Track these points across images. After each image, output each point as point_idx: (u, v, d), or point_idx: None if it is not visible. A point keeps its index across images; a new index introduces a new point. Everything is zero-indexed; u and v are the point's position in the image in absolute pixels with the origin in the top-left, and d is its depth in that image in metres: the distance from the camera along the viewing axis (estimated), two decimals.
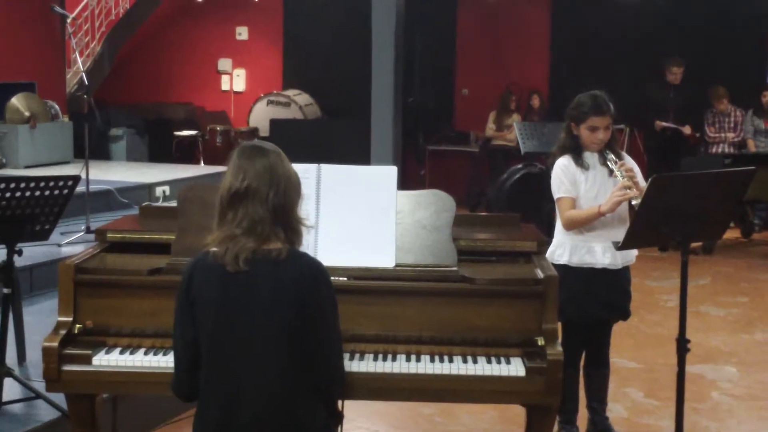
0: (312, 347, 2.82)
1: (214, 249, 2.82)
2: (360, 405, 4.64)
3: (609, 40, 12.57)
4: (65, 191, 4.29)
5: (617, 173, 4.21)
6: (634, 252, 4.37)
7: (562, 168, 4.35)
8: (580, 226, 4.31)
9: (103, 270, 3.49)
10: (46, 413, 4.25)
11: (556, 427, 4.40)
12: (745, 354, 6.27)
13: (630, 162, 4.35)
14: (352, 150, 10.90)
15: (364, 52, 10.91)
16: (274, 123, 13.33)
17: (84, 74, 8.18)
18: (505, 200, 9.47)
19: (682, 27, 12.14)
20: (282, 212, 2.82)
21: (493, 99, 12.67)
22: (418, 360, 3.29)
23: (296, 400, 2.82)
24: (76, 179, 4.36)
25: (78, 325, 3.39)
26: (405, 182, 10.88)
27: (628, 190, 4.09)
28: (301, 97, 13.89)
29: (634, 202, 3.99)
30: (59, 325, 3.37)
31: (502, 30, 13.38)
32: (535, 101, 12.38)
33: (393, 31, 10.52)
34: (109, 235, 3.78)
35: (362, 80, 11.05)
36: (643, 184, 4.14)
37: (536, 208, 8.04)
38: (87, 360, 3.30)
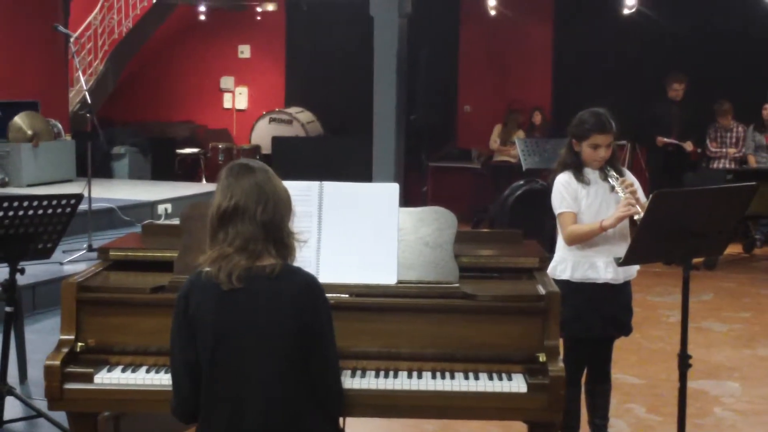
0: (311, 363, 2.83)
1: (208, 269, 2.82)
2: (362, 422, 4.62)
3: (611, 56, 12.61)
4: (68, 210, 4.30)
5: (619, 189, 4.22)
6: (636, 267, 4.37)
7: (564, 184, 4.36)
8: (582, 241, 4.32)
9: (105, 288, 3.50)
10: None
11: None
12: (747, 369, 6.26)
13: (630, 178, 4.35)
14: (355, 167, 10.92)
15: (366, 70, 10.95)
16: (277, 140, 13.36)
17: (87, 93, 8.23)
18: (507, 217, 9.47)
19: (684, 43, 12.17)
20: (272, 228, 2.83)
21: (495, 116, 12.68)
22: (419, 377, 3.29)
23: (299, 417, 2.82)
24: (78, 198, 4.37)
25: (80, 344, 3.39)
26: (407, 199, 10.90)
27: (631, 207, 4.09)
28: (304, 115, 13.91)
29: (636, 218, 4.00)
30: (61, 344, 3.37)
31: (505, 47, 13.42)
32: (537, 118, 12.39)
33: (395, 48, 10.55)
34: (112, 253, 3.79)
35: (364, 97, 11.07)
36: (643, 199, 4.15)
37: (538, 225, 8.04)
38: (89, 378, 3.31)
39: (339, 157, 12.43)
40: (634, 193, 4.18)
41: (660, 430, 5.07)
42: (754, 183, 3.84)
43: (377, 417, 3.59)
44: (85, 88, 8.47)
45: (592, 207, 4.33)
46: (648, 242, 3.77)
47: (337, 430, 3.05)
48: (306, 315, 2.80)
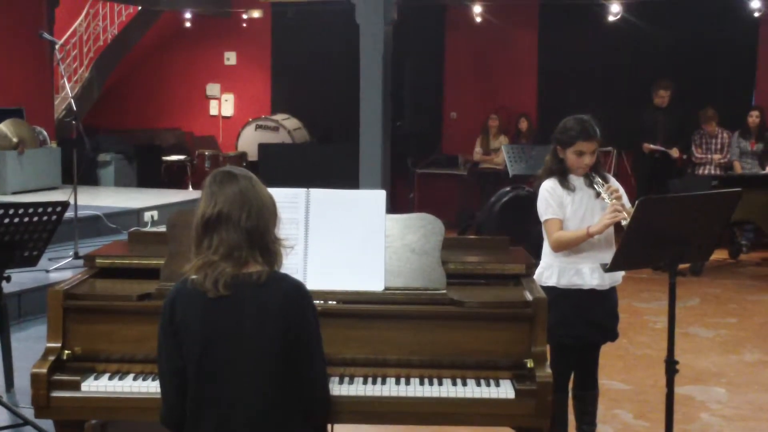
0: (298, 370, 2.82)
1: (194, 276, 2.82)
2: (350, 429, 4.61)
3: (597, 63, 12.67)
4: (54, 217, 4.30)
5: (605, 196, 4.23)
6: (621, 272, 4.38)
7: (549, 190, 4.37)
8: (568, 247, 4.33)
9: (92, 296, 3.49)
10: None
11: None
12: (734, 375, 6.28)
13: (615, 184, 4.37)
14: (341, 174, 10.93)
15: (352, 76, 10.96)
16: (263, 147, 13.35)
17: (72, 100, 8.21)
18: (494, 223, 9.48)
19: (670, 50, 12.25)
20: (257, 235, 2.83)
21: (481, 123, 12.72)
22: (407, 383, 3.29)
23: (286, 425, 2.82)
24: (64, 205, 4.37)
25: (67, 351, 3.38)
26: (394, 206, 10.91)
27: (618, 213, 4.10)
28: (290, 122, 13.91)
29: (623, 224, 4.01)
30: (48, 351, 3.36)
31: (490, 54, 13.46)
32: (523, 124, 12.44)
33: (381, 55, 10.56)
34: (98, 260, 3.78)
35: (351, 104, 11.08)
36: (629, 206, 4.16)
37: (525, 231, 8.05)
38: (76, 386, 3.30)
39: (325, 163, 12.44)
40: (619, 199, 4.19)
41: None
42: (739, 189, 3.85)
43: (365, 424, 3.58)
44: (70, 95, 8.46)
45: (578, 213, 4.34)
46: (634, 248, 3.79)
47: None
48: (293, 322, 2.80)
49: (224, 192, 2.84)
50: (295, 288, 2.86)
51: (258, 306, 2.79)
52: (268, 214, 2.88)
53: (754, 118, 10.69)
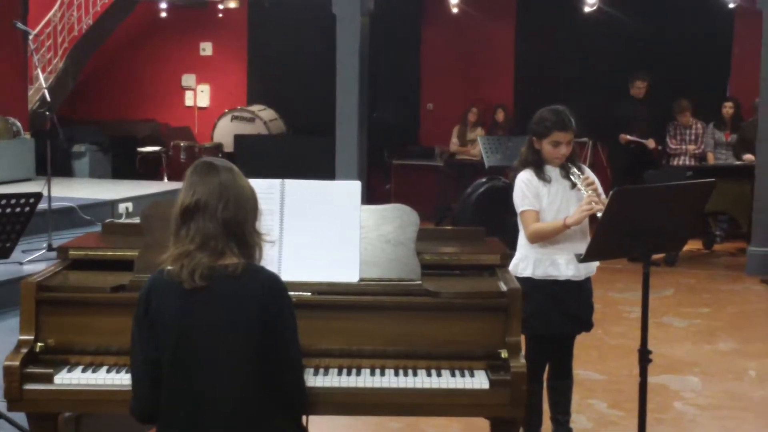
0: (274, 363, 2.82)
1: (170, 267, 2.81)
2: (325, 420, 4.61)
3: (573, 54, 12.70)
4: (27, 209, 4.27)
5: (581, 187, 4.24)
6: (596, 263, 4.40)
7: (525, 182, 4.38)
8: (544, 239, 4.34)
9: (65, 288, 3.47)
10: None
11: None
12: (707, 364, 6.33)
13: (591, 175, 4.39)
14: (317, 165, 10.92)
15: (329, 67, 10.93)
16: (239, 138, 13.31)
17: (46, 91, 8.13)
18: (470, 214, 9.50)
19: (646, 41, 12.29)
20: (234, 226, 2.82)
21: (458, 114, 12.73)
22: (382, 374, 3.29)
23: (262, 417, 2.82)
24: (37, 196, 4.34)
25: (40, 344, 3.35)
26: (371, 197, 10.91)
27: (593, 204, 4.12)
28: (266, 113, 13.88)
29: (599, 215, 4.02)
30: (21, 344, 3.34)
31: (467, 45, 13.46)
32: (500, 115, 12.46)
33: (358, 46, 10.55)
34: (72, 252, 3.76)
35: (327, 95, 11.06)
36: (603, 197, 4.18)
37: (501, 222, 8.07)
38: (49, 379, 3.28)
39: (302, 155, 12.42)
40: (595, 190, 4.21)
41: (621, 424, 5.11)
42: (712, 180, 3.88)
43: (341, 415, 3.59)
44: (44, 85, 8.37)
45: (554, 204, 4.36)
46: (608, 239, 3.80)
47: (300, 429, 3.05)
48: (269, 314, 2.79)
49: (204, 182, 2.83)
50: (272, 281, 2.86)
51: (234, 298, 2.78)
52: (247, 207, 2.87)
53: (728, 108, 10.76)
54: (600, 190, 4.27)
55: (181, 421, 2.80)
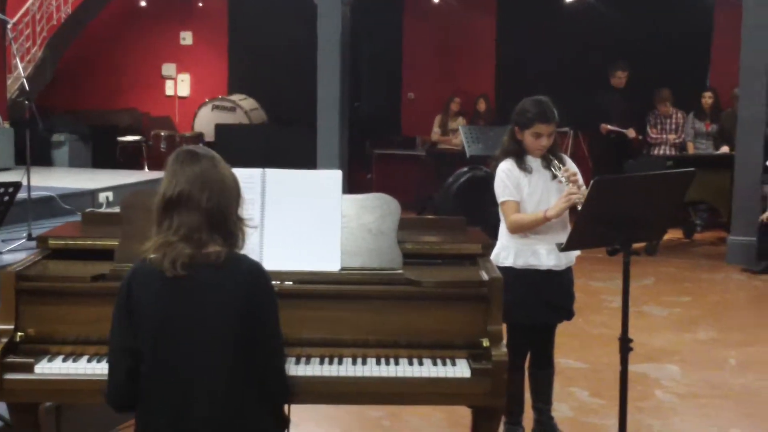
0: (256, 352, 2.81)
1: (152, 256, 2.80)
2: (308, 409, 4.62)
3: (554, 44, 12.70)
4: (6, 198, 4.25)
5: (561, 179, 4.25)
6: (576, 252, 4.41)
7: (506, 172, 4.38)
8: (525, 230, 4.35)
9: (45, 277, 3.45)
10: None
11: (502, 429, 4.45)
12: (687, 353, 6.37)
13: (572, 166, 4.39)
14: (299, 155, 10.90)
15: (310, 57, 10.91)
16: (220, 128, 13.28)
17: (25, 80, 8.08)
18: (451, 204, 9.51)
19: (627, 31, 12.31)
20: (218, 216, 2.81)
21: (439, 103, 12.73)
22: (364, 363, 3.29)
23: (243, 407, 2.81)
24: (17, 186, 4.32)
25: (20, 334, 3.33)
26: (352, 187, 10.89)
27: (573, 196, 4.12)
28: (247, 102, 13.84)
29: (579, 207, 4.03)
30: (0, 334, 3.31)
31: (448, 35, 13.45)
32: (482, 105, 12.47)
33: (339, 36, 10.53)
34: (51, 241, 3.73)
35: (308, 84, 11.04)
36: (584, 187, 4.19)
37: (483, 211, 8.07)
38: (29, 368, 3.26)
39: (283, 144, 12.40)
40: (576, 182, 4.21)
41: (602, 413, 5.14)
42: (692, 169, 3.89)
43: (322, 404, 3.60)
44: (23, 75, 8.32)
45: (534, 195, 4.36)
46: (588, 228, 3.81)
47: (282, 419, 3.04)
48: (251, 303, 2.79)
49: (185, 172, 2.81)
50: (254, 269, 2.85)
51: (216, 286, 2.78)
52: (230, 195, 2.86)
53: (707, 98, 10.81)
54: (581, 181, 4.27)
55: (162, 410, 2.79)
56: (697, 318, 7.32)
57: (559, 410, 5.03)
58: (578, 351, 6.26)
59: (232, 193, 2.88)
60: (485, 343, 3.31)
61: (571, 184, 4.18)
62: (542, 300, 4.40)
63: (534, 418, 4.69)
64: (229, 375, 2.78)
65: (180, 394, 2.77)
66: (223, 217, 2.82)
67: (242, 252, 2.91)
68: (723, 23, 11.91)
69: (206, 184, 2.80)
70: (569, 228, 4.26)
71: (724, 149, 10.32)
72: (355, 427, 4.96)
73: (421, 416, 5.02)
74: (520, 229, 4.34)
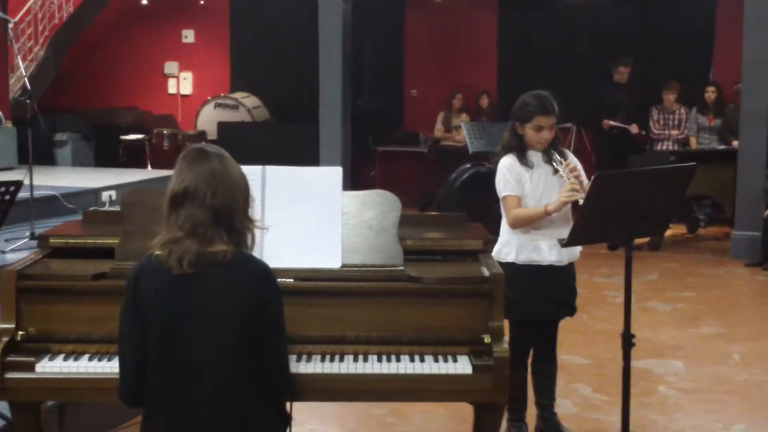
0: (261, 351, 2.81)
1: (158, 252, 2.80)
2: (311, 407, 4.62)
3: (556, 40, 12.70)
4: (7, 197, 4.24)
5: (563, 174, 4.24)
6: (578, 248, 4.41)
7: (507, 167, 4.38)
8: (526, 225, 4.34)
9: (46, 276, 3.45)
10: None
11: (505, 425, 4.44)
12: (691, 348, 6.35)
13: (573, 161, 4.38)
14: (301, 152, 10.88)
15: (312, 54, 10.90)
16: (222, 126, 13.27)
17: (27, 79, 8.08)
18: (454, 200, 9.51)
19: (629, 26, 12.29)
20: (223, 213, 2.81)
21: (442, 100, 12.72)
22: (365, 360, 3.28)
23: (247, 405, 2.81)
24: (18, 185, 4.32)
25: (21, 332, 3.33)
26: (355, 184, 10.90)
27: (575, 192, 4.11)
28: (249, 100, 13.83)
29: (581, 202, 4.02)
30: (1, 333, 3.31)
31: (450, 31, 13.43)
32: (484, 101, 12.46)
33: (340, 33, 10.52)
34: (52, 240, 3.73)
35: (311, 82, 11.04)
36: (586, 182, 4.18)
37: (486, 208, 8.06)
38: (30, 367, 3.25)
39: (286, 142, 12.38)
40: (577, 177, 4.20)
41: (606, 409, 5.13)
42: (693, 164, 3.88)
43: (324, 401, 3.58)
44: (25, 74, 8.32)
45: (536, 190, 4.36)
46: (590, 223, 3.81)
47: (284, 416, 3.04)
48: (257, 303, 2.79)
49: (194, 169, 2.82)
50: (261, 269, 2.85)
51: (223, 285, 2.77)
52: (237, 194, 2.86)
53: (710, 93, 10.78)
54: (583, 176, 4.26)
55: (167, 407, 2.79)
56: (701, 313, 7.31)
57: (563, 406, 5.02)
58: (582, 347, 6.25)
59: (240, 193, 2.88)
60: (487, 339, 3.30)
61: (572, 179, 4.17)
62: (544, 295, 4.39)
63: (537, 415, 4.69)
64: (233, 373, 2.78)
65: (185, 391, 2.77)
66: (229, 215, 2.82)
67: (252, 250, 2.91)
68: (725, 17, 11.88)
69: (213, 181, 2.81)
70: (571, 223, 4.26)
71: (735, 144, 10.25)
72: (358, 424, 4.96)
73: (424, 413, 5.02)
74: (522, 224, 4.34)
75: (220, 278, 2.78)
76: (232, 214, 2.84)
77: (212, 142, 12.83)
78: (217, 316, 2.76)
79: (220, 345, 2.77)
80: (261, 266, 2.87)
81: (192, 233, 2.77)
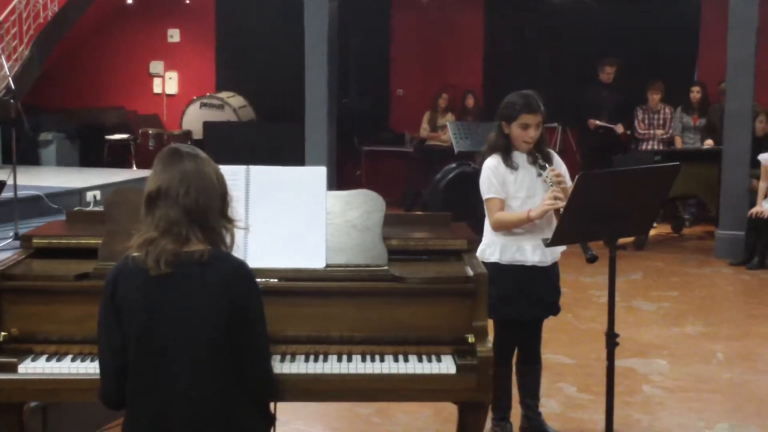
0: (242, 350, 2.81)
1: (135, 254, 2.79)
2: (296, 407, 4.62)
3: (542, 40, 12.72)
4: None
5: (546, 179, 4.24)
6: (561, 247, 4.41)
7: (492, 168, 4.37)
8: (508, 228, 4.35)
9: (28, 276, 3.43)
10: None
11: (489, 425, 4.45)
12: (675, 347, 6.37)
13: (558, 162, 4.39)
14: (287, 152, 10.87)
15: (298, 53, 10.88)
16: (208, 125, 13.23)
17: (11, 79, 8.05)
18: (440, 200, 9.51)
19: (615, 27, 12.33)
20: (197, 213, 2.80)
21: (428, 99, 12.73)
22: (349, 360, 3.28)
23: (229, 406, 2.80)
24: (1, 185, 4.29)
25: (3, 333, 3.32)
26: (341, 184, 10.88)
27: (558, 200, 4.11)
28: (235, 100, 13.80)
29: (562, 211, 4.02)
30: None
31: (436, 31, 13.45)
32: (470, 101, 12.47)
33: (326, 32, 10.51)
34: (35, 240, 3.71)
35: (296, 82, 11.01)
36: (570, 185, 4.18)
37: (471, 207, 8.08)
38: (13, 368, 3.24)
39: (271, 142, 12.36)
40: (561, 183, 4.20)
41: (591, 408, 5.14)
42: (677, 163, 3.89)
43: (307, 401, 3.59)
44: (9, 74, 8.29)
45: (520, 192, 4.36)
46: (574, 223, 3.81)
47: (268, 417, 3.04)
48: (236, 302, 2.78)
49: (166, 170, 2.83)
50: (239, 267, 2.84)
51: (201, 285, 2.77)
52: (212, 194, 2.85)
53: (695, 93, 10.83)
54: (568, 180, 4.26)
55: (148, 409, 2.78)
56: (685, 312, 7.33)
57: (548, 406, 5.03)
58: (567, 346, 6.26)
59: (215, 192, 2.87)
60: (471, 339, 3.31)
61: (555, 186, 4.17)
62: (528, 295, 4.40)
63: (522, 414, 4.70)
64: (214, 373, 2.78)
65: (165, 392, 2.76)
66: (203, 214, 2.81)
67: (232, 250, 2.91)
68: (710, 17, 11.93)
69: (184, 180, 2.81)
70: (555, 223, 4.26)
71: (708, 143, 10.34)
72: (343, 423, 4.96)
73: (409, 413, 5.01)
74: (503, 228, 4.34)
75: (197, 277, 2.77)
76: (207, 213, 2.83)
77: (198, 141, 12.81)
78: (196, 316, 2.76)
79: (200, 345, 2.76)
80: (239, 264, 2.86)
81: (166, 232, 2.77)
